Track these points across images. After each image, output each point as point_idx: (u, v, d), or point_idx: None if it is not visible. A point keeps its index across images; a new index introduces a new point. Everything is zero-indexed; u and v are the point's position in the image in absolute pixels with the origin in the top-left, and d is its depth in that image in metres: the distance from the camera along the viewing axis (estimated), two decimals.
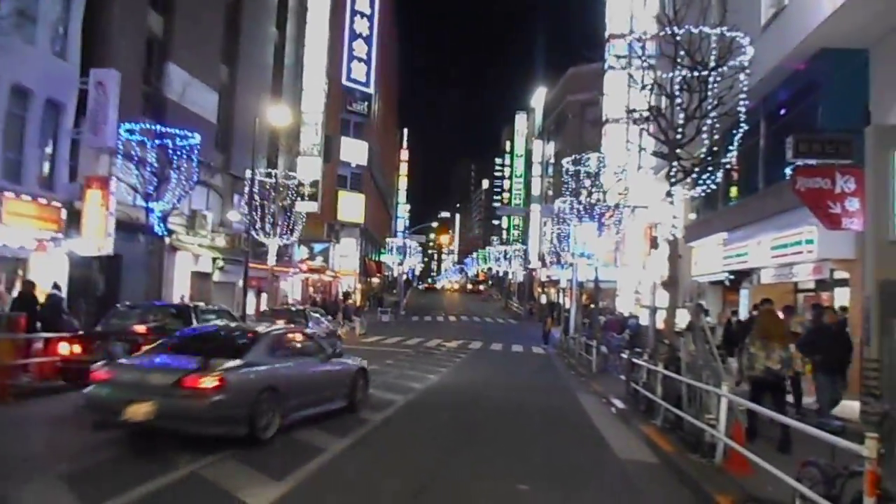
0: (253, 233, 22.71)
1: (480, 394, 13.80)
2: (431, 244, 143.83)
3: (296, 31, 30.70)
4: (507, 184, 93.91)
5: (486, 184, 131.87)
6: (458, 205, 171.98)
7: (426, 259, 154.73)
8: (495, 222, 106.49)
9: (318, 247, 46.24)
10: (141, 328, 10.48)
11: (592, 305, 29.82)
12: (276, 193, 22.58)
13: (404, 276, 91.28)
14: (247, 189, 22.24)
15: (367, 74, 49.71)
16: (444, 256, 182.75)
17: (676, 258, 11.12)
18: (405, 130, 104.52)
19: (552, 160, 55.13)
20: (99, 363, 7.72)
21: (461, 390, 14.11)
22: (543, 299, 56.36)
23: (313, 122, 30.68)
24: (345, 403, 9.92)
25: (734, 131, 10.78)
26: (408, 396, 12.24)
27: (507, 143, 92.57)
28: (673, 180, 10.85)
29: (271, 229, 22.63)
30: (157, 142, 15.32)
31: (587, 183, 21.29)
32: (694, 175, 10.87)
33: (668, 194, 10.95)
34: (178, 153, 15.58)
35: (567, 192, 22.13)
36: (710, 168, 10.80)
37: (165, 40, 21.01)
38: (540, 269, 55.86)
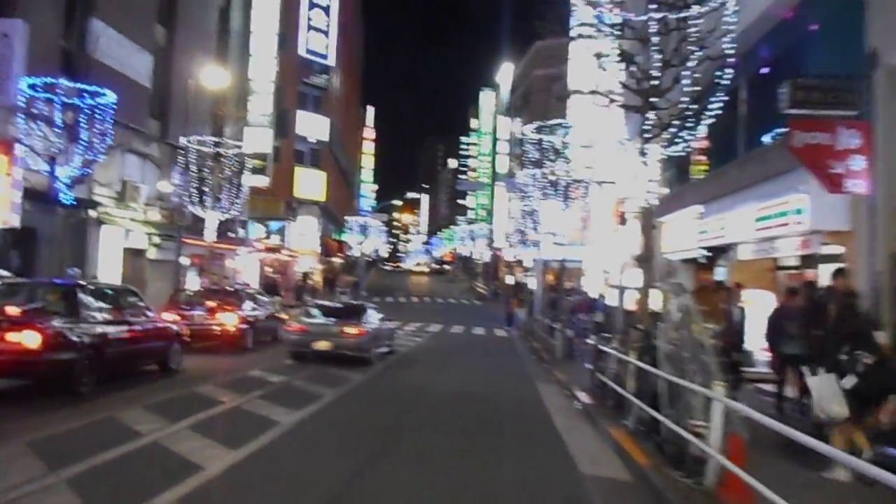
0: (189, 206, 20.74)
1: (427, 384, 12.29)
2: (397, 224, 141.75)
3: None
4: (473, 163, 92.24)
5: (453, 163, 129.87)
6: (425, 185, 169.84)
7: (393, 240, 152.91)
8: (461, 202, 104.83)
9: (274, 225, 44.16)
10: (14, 310, 8.69)
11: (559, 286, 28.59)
12: (215, 164, 20.58)
13: (368, 257, 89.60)
14: (181, 159, 20.22)
15: (327, 46, 47.38)
16: (411, 237, 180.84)
17: (651, 230, 9.72)
18: (369, 108, 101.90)
19: (520, 136, 53.72)
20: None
21: (405, 381, 12.59)
22: (509, 280, 55.16)
23: (263, 90, 28.56)
24: None
25: (718, 76, 9.30)
26: (338, 390, 10.65)
27: (474, 121, 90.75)
28: (647, 136, 9.38)
29: (211, 202, 20.66)
30: (62, 99, 13.27)
31: (552, 154, 19.79)
32: (672, 129, 9.39)
33: (642, 153, 9.49)
34: (90, 113, 13.56)
35: (529, 165, 20.61)
36: (689, 122, 9.32)
37: None
38: (506, 249, 54.58)
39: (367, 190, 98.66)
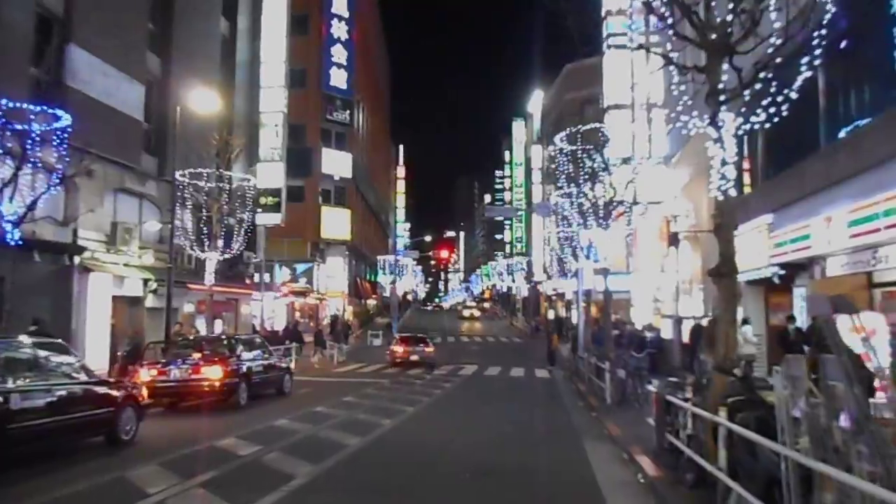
0: (185, 246, 18.74)
1: (443, 450, 9.60)
2: (434, 264, 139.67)
3: (250, 24, 27.05)
4: (507, 196, 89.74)
5: (487, 198, 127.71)
6: (461, 223, 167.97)
7: (430, 279, 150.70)
8: (498, 237, 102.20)
9: (300, 267, 42.37)
10: None
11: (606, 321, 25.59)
12: (213, 200, 18.58)
13: (407, 297, 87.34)
14: (178, 195, 18.27)
15: (348, 81, 46.11)
16: (450, 276, 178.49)
17: (732, 231, 7.00)
18: (400, 147, 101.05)
19: (551, 153, 51.26)
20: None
21: (419, 444, 9.92)
22: (551, 314, 52.01)
23: (273, 123, 26.88)
24: None
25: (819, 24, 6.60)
26: (320, 466, 8.06)
27: (507, 154, 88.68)
28: (722, 98, 6.74)
29: (210, 242, 18.60)
30: (11, 125, 11.32)
31: (587, 166, 17.13)
32: (758, 85, 6.63)
33: (713, 123, 6.84)
34: (39, 139, 11.58)
35: (563, 179, 17.98)
36: (772, 85, 6.60)
37: (66, 19, 17.23)
38: (545, 282, 51.61)
39: (402, 229, 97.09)
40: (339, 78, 45.31)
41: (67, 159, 12.32)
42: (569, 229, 23.33)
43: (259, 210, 26.83)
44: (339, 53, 45.41)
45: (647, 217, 27.16)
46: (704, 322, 19.70)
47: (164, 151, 20.94)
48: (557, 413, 13.75)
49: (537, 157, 60.23)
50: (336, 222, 45.35)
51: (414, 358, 24.45)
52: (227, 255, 19.09)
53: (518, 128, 75.46)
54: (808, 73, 6.60)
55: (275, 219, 26.86)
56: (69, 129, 12.26)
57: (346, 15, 46.02)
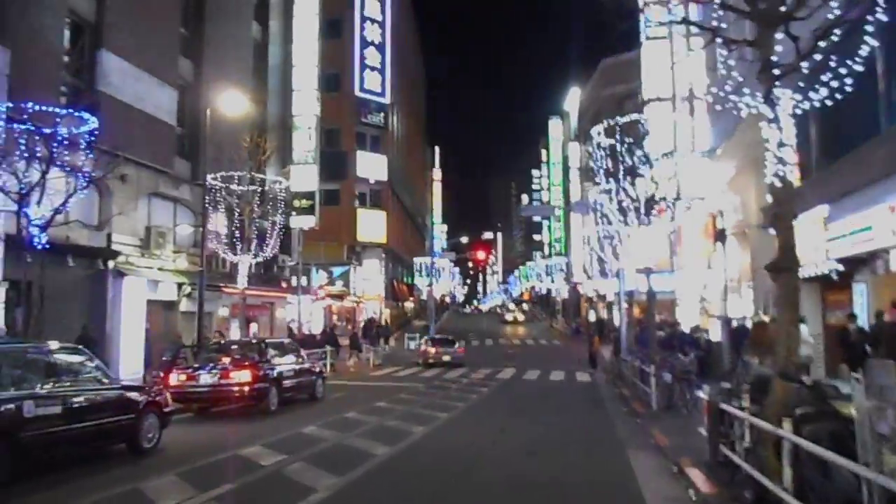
0: (219, 250, 18.61)
1: (477, 458, 9.05)
2: (471, 266, 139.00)
3: (282, 28, 26.97)
4: (545, 195, 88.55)
5: (525, 199, 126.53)
6: (499, 225, 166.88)
7: (468, 281, 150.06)
8: (536, 237, 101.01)
9: (336, 270, 42.31)
10: None
11: (650, 322, 24.63)
12: (244, 203, 18.41)
13: (445, 299, 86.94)
14: (209, 199, 18.16)
15: (382, 84, 45.95)
16: (488, 278, 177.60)
17: (791, 220, 6.28)
18: (436, 149, 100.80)
19: (589, 151, 50.14)
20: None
21: (451, 453, 9.38)
22: (592, 316, 50.90)
23: (305, 125, 26.74)
24: None
25: None
26: (346, 477, 7.59)
27: (543, 153, 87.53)
28: (777, 72, 6.03)
29: (242, 246, 18.43)
30: (27, 127, 11.17)
31: (627, 159, 16.33)
32: (817, 57, 5.88)
33: (767, 100, 6.13)
34: (67, 142, 11.44)
35: (601, 175, 17.19)
36: (831, 59, 5.85)
37: (98, 25, 17.29)
38: (585, 283, 50.53)
39: (438, 231, 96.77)
40: (373, 81, 45.18)
41: (96, 161, 12.15)
42: (609, 227, 22.53)
43: (293, 213, 26.76)
44: (372, 56, 45.29)
45: (691, 213, 26.16)
46: (748, 322, 18.72)
47: (197, 156, 20.92)
48: (599, 420, 13.04)
49: (575, 155, 59.13)
50: (372, 225, 45.21)
51: (445, 358, 26.23)
52: (259, 259, 18.86)
53: (555, 126, 74.39)
54: (875, 43, 5.83)
55: (309, 221, 26.70)
56: (96, 132, 12.11)
57: (380, 18, 45.88)
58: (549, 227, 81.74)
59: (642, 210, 16.37)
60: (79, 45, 16.95)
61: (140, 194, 18.81)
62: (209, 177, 18.12)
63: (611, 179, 18.04)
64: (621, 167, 16.48)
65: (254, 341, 14.55)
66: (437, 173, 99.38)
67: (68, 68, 16.40)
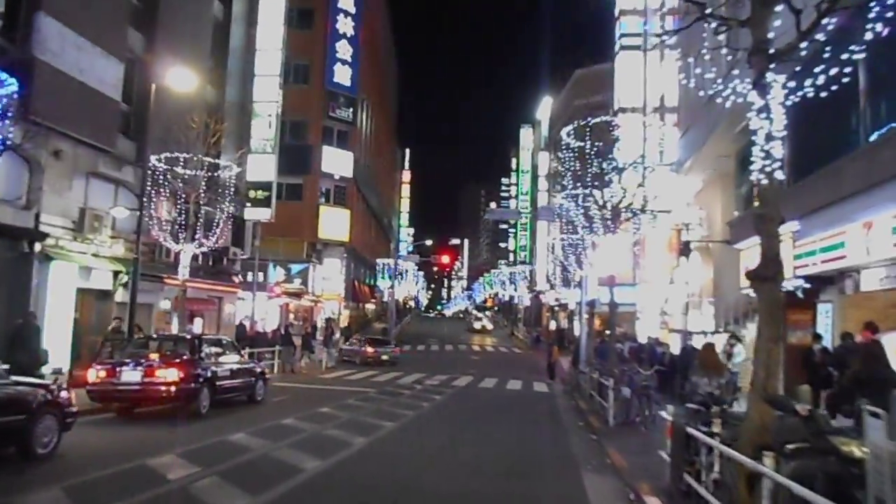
0: (161, 238, 17.39)
1: (419, 477, 8.16)
2: (437, 271, 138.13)
3: (245, 10, 25.75)
4: (513, 203, 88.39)
5: (493, 206, 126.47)
6: (467, 231, 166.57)
7: (432, 286, 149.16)
8: (503, 245, 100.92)
9: (295, 268, 40.98)
10: None
11: (607, 332, 24.09)
12: (188, 188, 17.20)
13: (408, 303, 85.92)
14: (150, 181, 16.94)
15: (353, 78, 44.86)
16: (453, 284, 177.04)
17: (778, 224, 5.57)
18: (406, 151, 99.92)
19: (553, 159, 49.80)
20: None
21: (389, 470, 8.47)
22: (553, 325, 50.51)
23: (266, 113, 25.55)
24: None
25: None
26: (266, 494, 6.63)
27: (514, 161, 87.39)
28: (772, 50, 5.31)
29: (186, 234, 17.22)
30: None
31: (596, 164, 15.68)
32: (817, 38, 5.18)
33: (757, 86, 5.40)
34: None
35: (569, 178, 16.51)
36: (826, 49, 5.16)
37: None
38: (548, 292, 50.12)
39: (405, 234, 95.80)
40: (343, 74, 44.08)
41: (23, 133, 10.96)
42: (573, 236, 21.92)
43: (248, 204, 25.55)
44: (343, 49, 44.20)
45: (655, 226, 25.80)
46: (695, 341, 18.22)
47: (143, 135, 19.57)
48: (554, 434, 12.27)
49: (544, 163, 58.90)
50: (335, 222, 44.01)
51: (384, 357, 28.46)
52: (204, 249, 17.68)
53: (525, 135, 74.28)
54: (884, 30, 5.15)
55: (264, 214, 25.51)
56: (17, 96, 10.89)
57: (353, 11, 44.85)
58: (516, 236, 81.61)
59: (608, 217, 15.71)
60: (15, 6, 15.58)
61: (76, 173, 17.44)
62: (153, 158, 16.91)
63: (578, 184, 17.43)
64: (589, 172, 15.82)
65: (187, 336, 13.37)
66: (406, 175, 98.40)
67: (2, 31, 15.04)
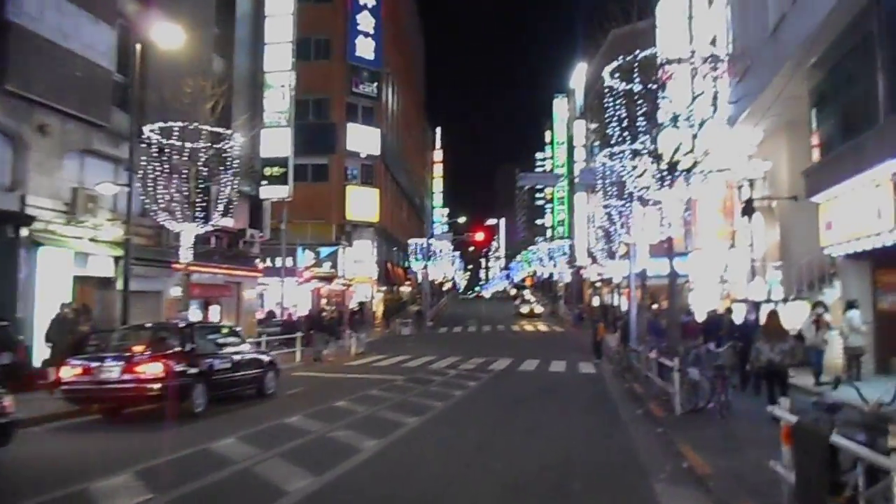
0: (159, 217, 15.74)
1: (439, 498, 6.23)
2: (473, 252, 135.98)
3: None
4: None
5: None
6: (503, 212, 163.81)
7: (470, 266, 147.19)
8: (539, 222, 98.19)
9: (324, 251, 39.49)
10: None
11: (654, 305, 21.72)
12: (189, 162, 15.49)
13: (444, 285, 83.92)
14: (145, 156, 15.29)
15: (376, 51, 42.84)
16: (491, 264, 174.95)
17: None
18: (437, 130, 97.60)
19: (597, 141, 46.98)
20: None
21: (400, 488, 6.56)
22: (595, 301, 48.08)
23: (279, 83, 23.73)
24: None
25: None
26: None
27: (548, 135, 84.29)
28: None
29: (188, 212, 15.53)
30: None
31: (647, 106, 13.35)
32: None
33: None
34: None
35: (613, 126, 14.19)
36: None
37: None
38: (589, 267, 47.64)
39: (439, 215, 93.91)
40: (365, 48, 42.10)
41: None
42: (619, 202, 19.58)
43: (264, 182, 23.89)
44: (365, 21, 42.19)
45: (709, 187, 23.22)
46: (764, 311, 15.78)
47: (143, 108, 17.93)
48: (610, 427, 10.21)
49: (580, 133, 56.07)
50: (363, 203, 42.33)
51: None
52: (208, 228, 16.00)
53: (560, 105, 71.34)
54: None
55: (281, 192, 23.80)
56: None
57: None
58: (553, 210, 78.88)
59: (663, 168, 13.35)
60: None
61: (66, 151, 15.94)
62: (146, 129, 15.25)
63: (625, 134, 15.07)
64: (641, 115, 13.50)
65: (180, 325, 11.65)
66: (437, 154, 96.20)
67: None
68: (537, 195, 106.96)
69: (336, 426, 9.62)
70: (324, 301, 38.68)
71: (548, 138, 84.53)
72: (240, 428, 9.38)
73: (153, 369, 9.86)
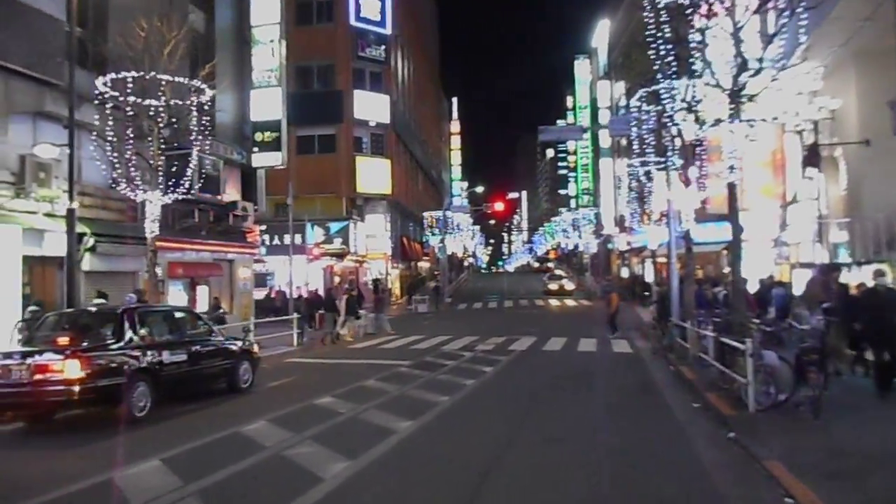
0: (117, 185, 13.55)
1: None
2: (494, 225, 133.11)
3: None
4: (571, 145, 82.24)
5: (550, 153, 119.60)
6: (524, 185, 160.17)
7: (491, 241, 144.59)
8: (562, 192, 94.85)
9: (334, 226, 37.26)
10: None
11: (702, 277, 19.09)
12: (151, 121, 13.23)
13: (466, 259, 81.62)
14: (98, 115, 13.09)
15: (382, 12, 40.08)
16: (513, 238, 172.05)
17: None
18: (454, 101, 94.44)
19: (622, 101, 43.81)
20: None
21: None
22: (625, 273, 45.36)
23: (267, 38, 21.22)
24: None
25: None
26: None
27: (569, 100, 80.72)
28: None
29: (151, 178, 13.30)
30: None
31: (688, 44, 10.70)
32: None
33: None
34: None
35: (658, 62, 11.52)
36: None
37: None
38: (618, 236, 44.87)
39: (458, 188, 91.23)
40: (371, 8, 39.35)
41: None
42: (655, 159, 16.94)
43: (255, 149, 21.60)
44: None
45: (754, 139, 20.37)
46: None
47: (104, 66, 15.62)
48: (662, 430, 7.81)
49: (604, 94, 52.83)
50: (374, 174, 39.90)
51: None
52: (177, 196, 13.76)
53: (581, 67, 67.79)
54: None
55: (274, 159, 21.48)
56: None
57: None
58: (577, 179, 75.72)
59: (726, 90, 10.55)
60: None
61: (12, 113, 13.74)
62: (98, 82, 13.02)
63: (659, 76, 12.42)
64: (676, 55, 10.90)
65: (116, 311, 9.42)
66: (454, 125, 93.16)
67: None
68: (560, 164, 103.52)
69: (302, 437, 7.36)
70: (337, 279, 36.61)
71: (569, 104, 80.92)
72: (179, 441, 7.19)
73: (68, 370, 7.66)
